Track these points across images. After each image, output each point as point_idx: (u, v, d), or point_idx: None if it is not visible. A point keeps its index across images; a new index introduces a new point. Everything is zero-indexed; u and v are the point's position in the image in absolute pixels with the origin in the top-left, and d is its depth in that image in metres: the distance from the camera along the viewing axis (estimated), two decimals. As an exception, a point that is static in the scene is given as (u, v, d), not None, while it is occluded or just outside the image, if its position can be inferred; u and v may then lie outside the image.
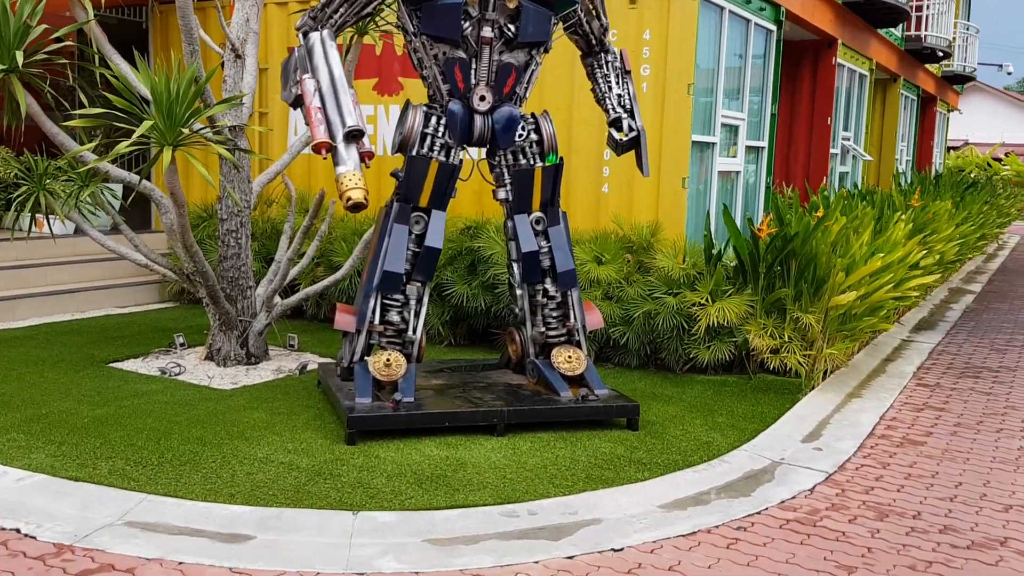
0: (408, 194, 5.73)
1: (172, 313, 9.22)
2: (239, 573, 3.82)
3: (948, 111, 23.70)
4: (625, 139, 6.15)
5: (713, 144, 8.62)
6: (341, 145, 4.95)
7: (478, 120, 5.77)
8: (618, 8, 7.71)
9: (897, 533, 4.50)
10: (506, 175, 6.00)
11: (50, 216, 6.71)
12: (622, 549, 4.18)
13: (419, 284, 5.83)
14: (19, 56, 5.72)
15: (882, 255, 7.33)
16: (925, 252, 8.89)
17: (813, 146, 12.36)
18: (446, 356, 7.47)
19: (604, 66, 6.32)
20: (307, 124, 5.11)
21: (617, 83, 6.28)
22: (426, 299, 5.88)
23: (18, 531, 4.12)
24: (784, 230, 7.19)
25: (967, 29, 22.18)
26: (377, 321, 5.77)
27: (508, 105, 5.83)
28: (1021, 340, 9.80)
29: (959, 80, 22.52)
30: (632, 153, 6.25)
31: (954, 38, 19.62)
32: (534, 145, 6.02)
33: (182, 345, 7.47)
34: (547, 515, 4.46)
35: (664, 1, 7.81)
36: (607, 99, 6.26)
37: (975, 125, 39.80)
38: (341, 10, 5.54)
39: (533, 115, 6.07)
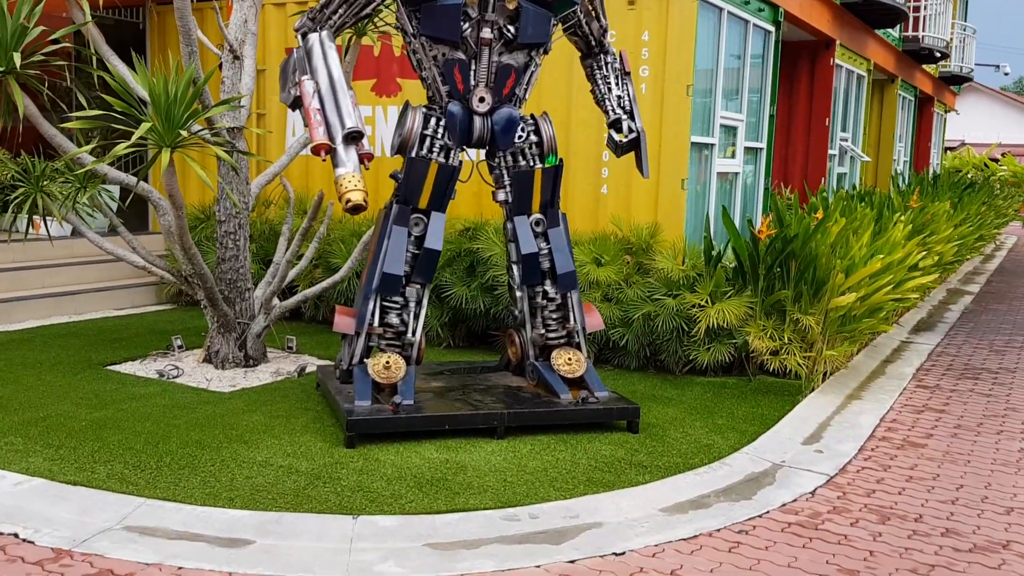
0: (407, 196, 5.70)
1: (170, 315, 9.19)
2: (239, 578, 3.80)
3: (945, 112, 23.73)
4: (625, 140, 6.13)
5: (712, 145, 8.61)
6: (340, 147, 4.93)
7: (477, 121, 5.75)
8: (617, 9, 7.69)
9: (899, 536, 4.49)
10: (506, 177, 5.98)
11: (47, 218, 6.68)
12: (624, 553, 4.16)
13: (419, 286, 5.81)
14: (16, 57, 5.69)
15: (882, 256, 7.32)
16: (924, 253, 8.89)
17: (811, 147, 12.36)
18: (445, 358, 7.45)
19: (604, 67, 6.30)
20: (306, 126, 5.09)
21: (617, 84, 6.27)
22: (426, 301, 5.86)
23: (16, 536, 4.09)
24: (784, 231, 7.18)
25: (964, 30, 22.21)
26: (376, 323, 5.75)
27: (507, 106, 5.81)
28: (1020, 341, 9.80)
29: (956, 81, 22.55)
30: (632, 154, 6.24)
31: (951, 39, 19.63)
32: (534, 147, 6.00)
33: (180, 347, 7.44)
34: (548, 519, 4.45)
35: (663, 2, 7.80)
36: (607, 100, 6.24)
37: (972, 125, 39.86)
38: (340, 11, 5.52)
39: (533, 116, 6.05)
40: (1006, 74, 39.10)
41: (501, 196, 6.02)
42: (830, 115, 12.06)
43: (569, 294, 6.08)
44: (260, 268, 8.32)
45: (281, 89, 5.46)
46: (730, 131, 9.17)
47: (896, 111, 16.53)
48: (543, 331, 6.09)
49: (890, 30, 15.37)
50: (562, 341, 6.11)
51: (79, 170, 6.43)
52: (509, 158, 5.98)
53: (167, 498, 4.47)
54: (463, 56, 5.66)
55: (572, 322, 6.08)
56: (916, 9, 16.45)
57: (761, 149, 9.94)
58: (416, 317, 5.81)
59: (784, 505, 4.85)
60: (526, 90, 5.94)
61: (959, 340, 9.77)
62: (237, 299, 7.03)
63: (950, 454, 5.82)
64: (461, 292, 7.77)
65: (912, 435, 6.20)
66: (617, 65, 6.31)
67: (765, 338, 6.99)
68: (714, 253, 7.46)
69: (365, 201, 4.84)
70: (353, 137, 4.95)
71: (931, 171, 19.79)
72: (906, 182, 15.41)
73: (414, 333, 5.80)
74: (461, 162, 5.89)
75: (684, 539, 4.34)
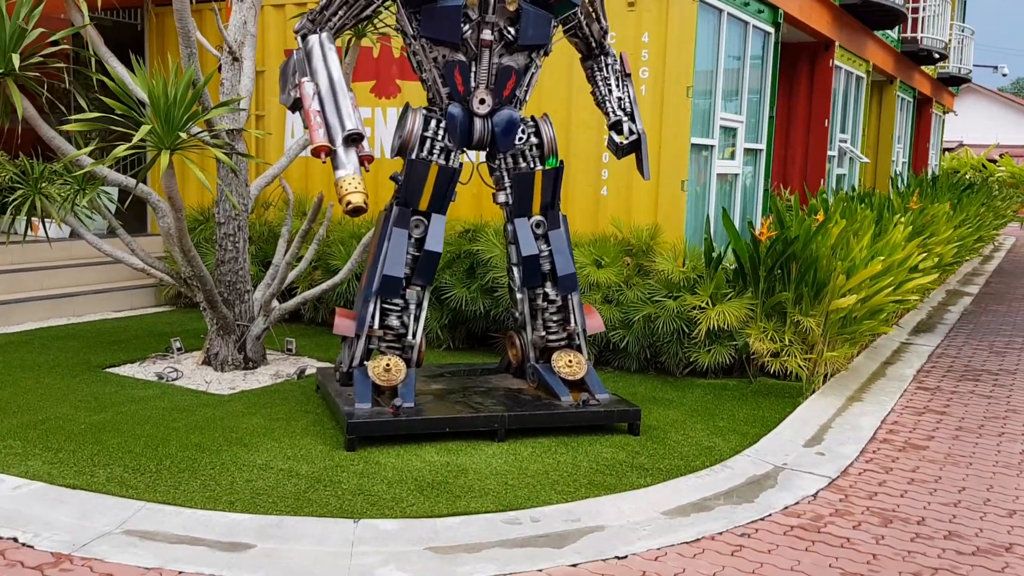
0: (408, 198, 5.69)
1: (168, 317, 9.16)
2: (240, 583, 3.78)
3: (944, 113, 23.74)
4: (625, 142, 6.12)
5: (712, 146, 8.59)
6: (340, 149, 4.91)
7: (478, 123, 5.73)
8: (617, 10, 7.68)
9: (902, 539, 4.48)
10: (506, 178, 5.96)
11: (46, 220, 6.65)
12: (626, 557, 4.15)
13: (419, 288, 5.79)
14: (15, 59, 5.67)
15: (882, 258, 7.31)
16: (924, 255, 8.88)
17: (810, 148, 12.36)
18: (445, 360, 7.43)
19: (604, 69, 6.29)
20: (306, 128, 5.07)
21: (617, 86, 6.25)
22: (426, 303, 5.84)
23: (15, 540, 4.07)
24: (784, 233, 7.17)
25: (962, 31, 22.22)
26: (376, 326, 5.73)
27: (508, 108, 5.79)
28: (1020, 343, 9.79)
29: (954, 82, 22.56)
30: (632, 156, 6.23)
31: (950, 40, 19.64)
32: (534, 148, 5.98)
33: (179, 350, 7.42)
34: (550, 522, 4.43)
35: (663, 3, 7.79)
36: (607, 102, 6.22)
37: (970, 126, 39.92)
38: (340, 13, 5.51)
39: (533, 118, 6.03)
40: (1004, 75, 39.17)
41: (501, 198, 6.00)
42: (829, 116, 12.05)
43: (570, 296, 6.07)
44: (259, 270, 8.30)
45: (281, 91, 5.44)
46: (730, 132, 9.16)
47: (895, 112, 16.54)
48: (543, 333, 6.08)
49: (889, 31, 15.38)
50: (563, 343, 6.09)
51: (78, 172, 6.41)
52: (509, 160, 5.96)
53: (167, 502, 4.45)
54: (463, 58, 5.64)
55: (573, 324, 6.06)
56: (915, 10, 16.46)
57: (761, 150, 9.93)
58: (416, 319, 5.80)
59: (786, 508, 4.83)
60: (526, 92, 5.92)
61: (959, 341, 9.76)
62: (236, 301, 7.01)
63: (952, 456, 5.81)
64: (461, 294, 7.75)
65: (913, 437, 6.19)
66: (617, 67, 6.30)
67: (766, 340, 6.98)
68: (714, 255, 7.45)
69: (365, 203, 4.83)
70: (353, 139, 4.94)
71: (930, 172, 19.80)
72: (905, 183, 15.41)
73: (414, 335, 5.78)
74: (461, 164, 5.88)
75: (686, 542, 4.33)
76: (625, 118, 6.13)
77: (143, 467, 4.89)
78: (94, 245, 6.70)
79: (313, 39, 5.27)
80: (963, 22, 23.12)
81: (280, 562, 3.95)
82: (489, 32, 5.58)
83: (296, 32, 5.46)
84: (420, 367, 6.01)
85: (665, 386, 7.08)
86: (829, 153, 12.44)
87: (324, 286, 7.33)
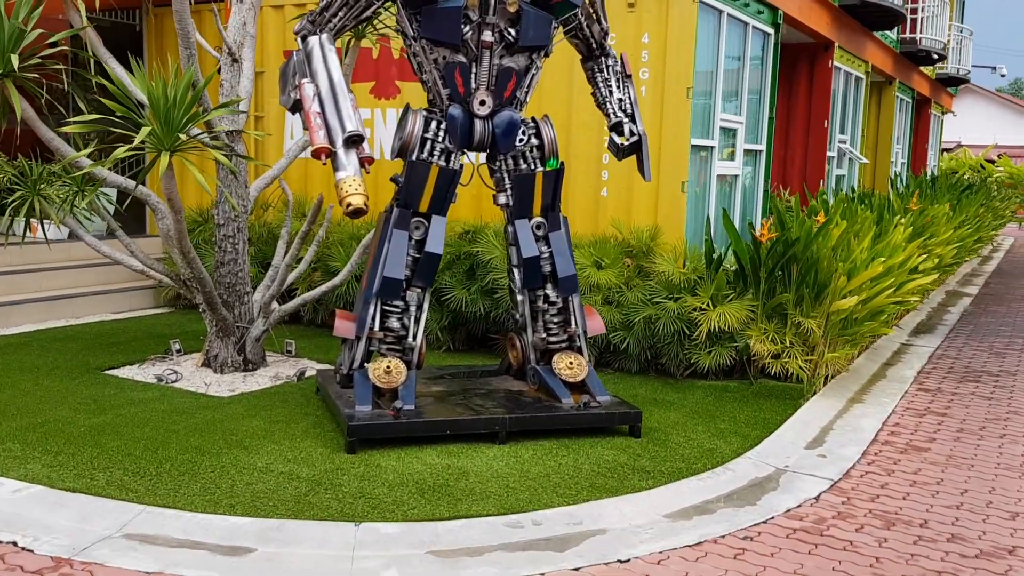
0: (408, 199, 5.67)
1: (168, 319, 9.14)
2: (240, 587, 3.76)
3: (942, 113, 23.74)
4: (626, 144, 6.11)
5: (712, 147, 8.58)
6: (341, 150, 4.89)
7: (478, 125, 5.72)
8: (617, 11, 7.67)
9: (905, 542, 4.46)
10: (507, 180, 5.95)
11: (44, 221, 6.63)
12: (628, 560, 4.13)
13: (419, 290, 5.77)
14: (14, 60, 5.65)
15: (883, 259, 7.30)
16: (925, 256, 8.87)
17: (810, 149, 12.35)
18: (445, 362, 7.41)
19: (604, 70, 6.27)
20: (306, 129, 5.05)
21: (618, 87, 6.24)
22: (426, 305, 5.82)
23: (15, 544, 4.05)
24: (785, 235, 7.16)
25: (961, 31, 22.22)
26: (377, 328, 5.71)
27: (508, 109, 5.78)
28: (1020, 344, 9.78)
29: (953, 82, 22.57)
30: (632, 157, 6.21)
31: (948, 40, 19.64)
32: (535, 150, 5.97)
33: (178, 352, 7.40)
34: (551, 525, 4.41)
35: (663, 4, 7.78)
36: (608, 103, 6.21)
37: (968, 127, 39.93)
38: (340, 14, 5.49)
39: (534, 119, 6.02)
40: (1002, 76, 39.20)
41: (502, 199, 5.99)
42: (828, 117, 12.05)
43: (570, 298, 6.05)
44: (259, 272, 8.28)
45: (281, 92, 5.42)
46: (729, 133, 9.15)
47: (894, 113, 16.54)
48: (544, 335, 6.06)
49: (888, 32, 15.38)
50: (563, 345, 6.08)
51: (77, 173, 6.39)
52: (510, 161, 5.95)
53: (167, 505, 4.43)
54: (464, 59, 5.63)
55: (573, 326, 6.05)
56: (913, 11, 16.47)
57: (760, 151, 9.92)
58: (417, 321, 5.78)
59: (789, 511, 4.82)
60: (527, 93, 5.91)
61: (959, 342, 9.75)
62: (236, 303, 6.99)
63: (953, 458, 5.80)
64: (461, 295, 7.74)
65: (915, 439, 6.18)
66: (618, 68, 6.29)
67: (766, 341, 6.97)
68: (715, 256, 7.43)
69: (366, 205, 4.81)
70: (354, 141, 4.92)
71: (929, 173, 19.80)
72: (904, 184, 15.41)
73: (415, 337, 5.76)
74: (462, 165, 5.86)
75: (689, 545, 4.31)
76: (626, 119, 6.12)
77: (143, 470, 4.87)
78: (93, 247, 6.68)
79: (313, 40, 5.25)
80: (961, 23, 23.12)
81: (281, 566, 3.93)
82: (490, 33, 5.57)
83: (296, 33, 5.45)
84: (420, 369, 5.99)
85: (666, 388, 7.07)
86: (828, 154, 12.44)
87: (324, 288, 7.31)
